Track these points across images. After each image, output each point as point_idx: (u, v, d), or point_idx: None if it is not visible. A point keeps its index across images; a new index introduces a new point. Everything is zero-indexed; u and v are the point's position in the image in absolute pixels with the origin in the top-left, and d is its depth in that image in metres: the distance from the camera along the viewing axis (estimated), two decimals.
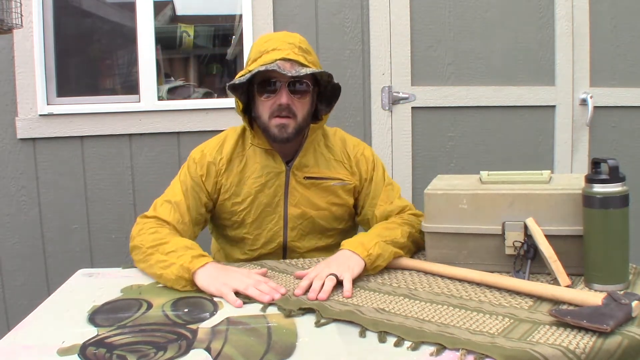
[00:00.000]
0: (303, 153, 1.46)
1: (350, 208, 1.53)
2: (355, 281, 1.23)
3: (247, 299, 1.13)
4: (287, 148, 1.44)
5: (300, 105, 1.38)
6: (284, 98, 1.34)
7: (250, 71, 1.33)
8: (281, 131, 1.37)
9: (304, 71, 1.32)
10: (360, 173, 1.51)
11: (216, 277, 1.18)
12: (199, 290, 1.18)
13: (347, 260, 1.23)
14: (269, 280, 1.19)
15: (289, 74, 1.31)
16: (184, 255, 1.22)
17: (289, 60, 1.33)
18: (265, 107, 1.38)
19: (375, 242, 1.28)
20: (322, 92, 1.47)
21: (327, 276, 1.16)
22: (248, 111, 1.45)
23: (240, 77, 1.35)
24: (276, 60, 1.32)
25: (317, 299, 1.11)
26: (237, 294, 1.13)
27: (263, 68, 1.30)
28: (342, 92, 1.43)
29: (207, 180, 1.45)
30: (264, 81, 1.36)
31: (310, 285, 1.15)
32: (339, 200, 1.49)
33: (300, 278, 1.23)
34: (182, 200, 1.42)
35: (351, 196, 1.51)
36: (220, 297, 1.14)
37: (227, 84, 1.38)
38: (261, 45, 1.38)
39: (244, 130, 1.49)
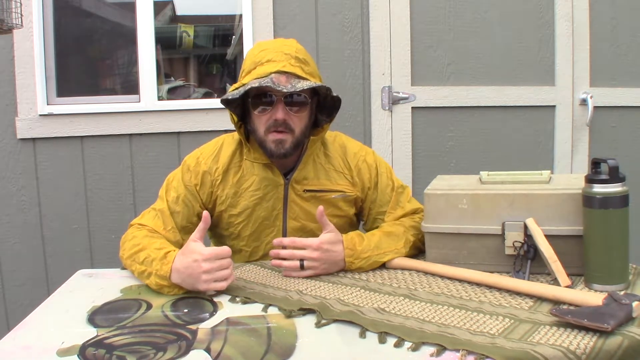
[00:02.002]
0: (302, 165, 1.41)
1: (351, 218, 1.50)
2: (355, 282, 1.23)
3: (247, 298, 1.13)
4: (286, 161, 1.39)
5: (297, 120, 1.32)
6: (280, 113, 1.29)
7: (243, 85, 1.29)
8: (278, 147, 1.32)
9: (299, 85, 1.26)
10: (362, 182, 1.46)
11: (190, 280, 1.15)
12: (190, 290, 1.18)
13: (328, 265, 1.28)
14: (217, 252, 1.15)
15: (284, 90, 1.25)
16: (154, 261, 1.20)
17: (285, 72, 1.27)
18: (260, 121, 1.33)
19: (367, 255, 1.30)
20: (322, 103, 1.41)
21: (298, 260, 1.26)
22: (244, 121, 1.41)
23: (233, 92, 1.30)
24: (271, 73, 1.26)
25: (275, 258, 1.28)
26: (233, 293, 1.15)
27: (257, 83, 1.24)
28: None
29: (202, 189, 1.41)
30: (259, 94, 1.30)
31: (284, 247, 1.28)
32: (339, 212, 1.46)
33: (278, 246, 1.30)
34: (166, 207, 1.39)
35: (352, 207, 1.48)
36: (220, 294, 1.16)
37: (221, 98, 1.32)
38: (255, 55, 1.32)
39: (241, 140, 1.43)
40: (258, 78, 1.27)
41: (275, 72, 1.27)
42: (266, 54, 1.30)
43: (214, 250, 1.16)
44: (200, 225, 1.21)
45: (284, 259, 1.28)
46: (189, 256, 1.15)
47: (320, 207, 1.30)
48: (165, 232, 1.37)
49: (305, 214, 1.43)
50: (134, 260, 1.26)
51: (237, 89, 1.31)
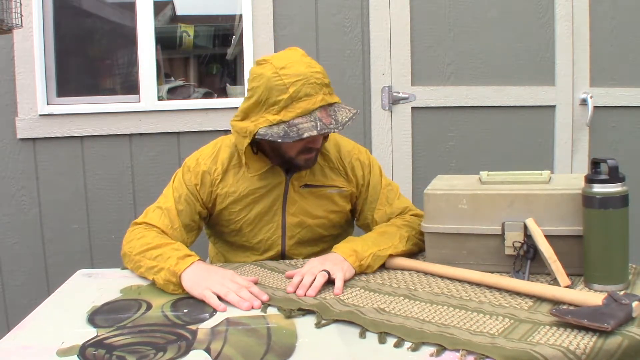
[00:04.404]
0: None
1: (347, 214, 1.53)
2: (355, 282, 1.23)
3: None
4: None
5: (323, 139, 1.39)
6: (318, 144, 1.35)
7: (284, 122, 1.25)
8: (307, 163, 1.37)
9: (341, 119, 1.28)
10: (356, 179, 1.50)
11: (199, 280, 1.16)
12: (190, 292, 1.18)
13: (341, 262, 1.25)
14: (251, 285, 1.16)
15: (335, 130, 1.26)
16: (170, 258, 1.21)
17: (323, 106, 1.28)
18: (293, 146, 1.33)
19: (370, 253, 1.29)
20: None
21: (320, 272, 1.19)
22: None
23: (278, 132, 1.25)
24: (313, 110, 1.26)
25: (305, 295, 1.13)
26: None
27: (315, 132, 1.23)
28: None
29: (202, 189, 1.43)
30: None
31: (301, 282, 1.18)
32: (336, 207, 1.49)
33: (291, 277, 1.24)
34: (173, 206, 1.40)
35: (348, 202, 1.51)
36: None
37: (257, 136, 1.27)
38: (288, 86, 1.25)
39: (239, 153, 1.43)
40: (301, 116, 1.25)
41: (317, 109, 1.27)
42: (300, 87, 1.26)
43: (249, 283, 1.17)
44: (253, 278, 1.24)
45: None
46: (224, 269, 1.24)
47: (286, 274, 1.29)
48: (172, 231, 1.38)
49: (303, 209, 1.45)
50: (144, 256, 1.26)
51: (275, 124, 1.26)
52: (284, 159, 1.38)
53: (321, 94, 1.28)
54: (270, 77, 1.27)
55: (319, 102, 1.27)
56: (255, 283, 1.21)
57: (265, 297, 1.12)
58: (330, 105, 1.30)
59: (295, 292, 1.16)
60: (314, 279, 1.17)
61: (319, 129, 1.24)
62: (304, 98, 1.26)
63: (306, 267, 1.23)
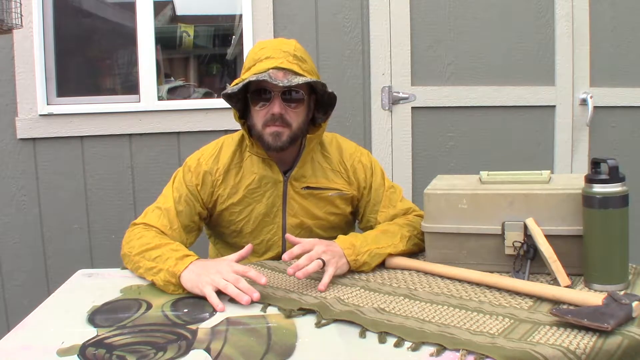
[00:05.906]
0: (301, 164, 1.44)
1: (347, 216, 1.53)
2: (355, 282, 1.23)
3: None
4: (285, 157, 1.43)
5: (294, 115, 1.36)
6: (276, 108, 1.33)
7: (243, 80, 1.32)
8: (275, 139, 1.35)
9: (295, 80, 1.29)
10: (358, 182, 1.49)
11: (198, 277, 1.16)
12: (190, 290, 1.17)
13: (338, 257, 1.25)
14: (249, 269, 1.15)
15: (280, 84, 1.28)
16: (169, 259, 1.21)
17: (282, 69, 1.30)
18: (259, 116, 1.36)
19: (367, 249, 1.29)
20: (320, 100, 1.44)
21: (316, 260, 1.20)
22: (245, 117, 1.43)
23: (233, 86, 1.34)
24: (269, 69, 1.30)
25: (294, 275, 1.16)
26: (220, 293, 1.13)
27: (254, 78, 1.29)
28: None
29: (203, 189, 1.43)
30: (258, 90, 1.35)
31: (298, 255, 1.20)
32: (336, 210, 1.49)
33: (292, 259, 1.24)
34: (172, 206, 1.40)
35: (349, 205, 1.51)
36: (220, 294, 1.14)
37: (222, 93, 1.37)
38: (256, 53, 1.36)
39: (241, 140, 1.46)
40: (256, 74, 1.30)
41: (273, 68, 1.30)
42: (265, 51, 1.34)
43: (246, 268, 1.16)
44: (242, 253, 1.24)
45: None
46: (221, 260, 1.22)
47: (287, 235, 1.31)
48: (171, 231, 1.38)
49: (303, 210, 1.46)
50: (144, 257, 1.26)
51: (237, 84, 1.34)
52: (259, 138, 1.37)
53: (283, 59, 1.32)
54: (250, 49, 1.40)
55: (276, 64, 1.31)
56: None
57: (263, 280, 1.12)
58: (295, 73, 1.32)
59: (290, 259, 1.20)
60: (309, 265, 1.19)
61: (261, 78, 1.28)
62: (264, 60, 1.33)
63: (309, 244, 1.24)
